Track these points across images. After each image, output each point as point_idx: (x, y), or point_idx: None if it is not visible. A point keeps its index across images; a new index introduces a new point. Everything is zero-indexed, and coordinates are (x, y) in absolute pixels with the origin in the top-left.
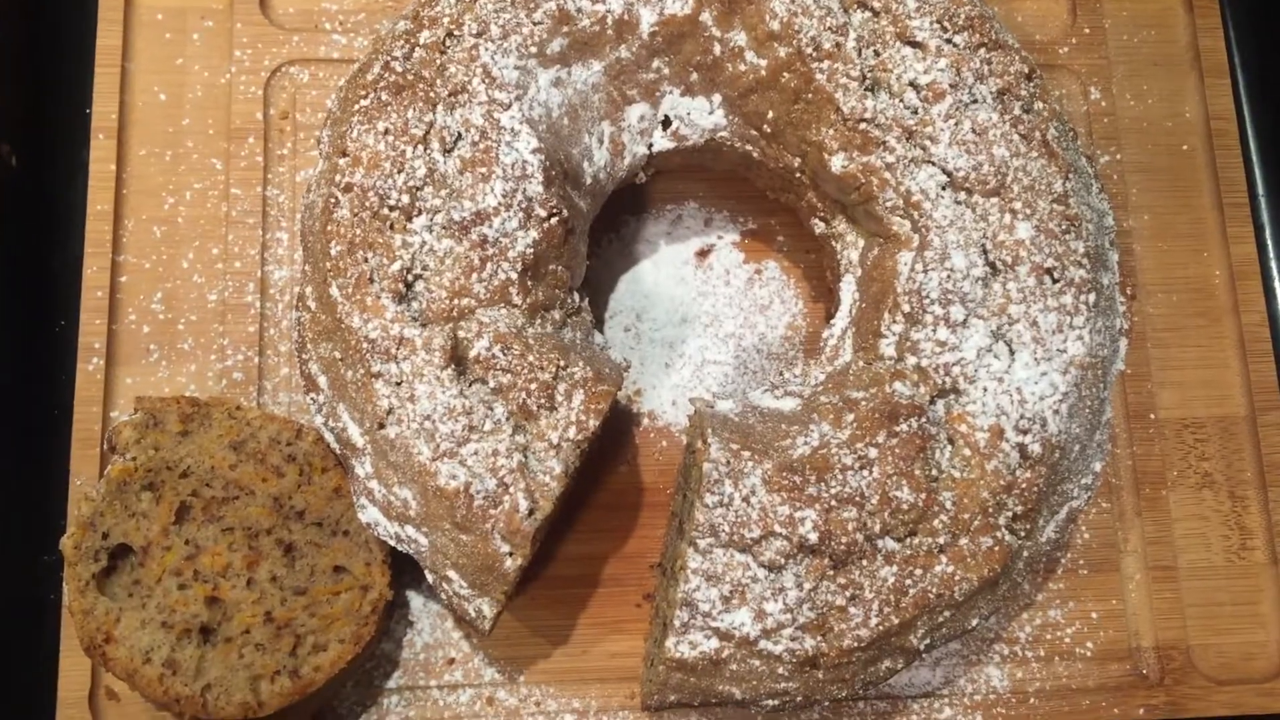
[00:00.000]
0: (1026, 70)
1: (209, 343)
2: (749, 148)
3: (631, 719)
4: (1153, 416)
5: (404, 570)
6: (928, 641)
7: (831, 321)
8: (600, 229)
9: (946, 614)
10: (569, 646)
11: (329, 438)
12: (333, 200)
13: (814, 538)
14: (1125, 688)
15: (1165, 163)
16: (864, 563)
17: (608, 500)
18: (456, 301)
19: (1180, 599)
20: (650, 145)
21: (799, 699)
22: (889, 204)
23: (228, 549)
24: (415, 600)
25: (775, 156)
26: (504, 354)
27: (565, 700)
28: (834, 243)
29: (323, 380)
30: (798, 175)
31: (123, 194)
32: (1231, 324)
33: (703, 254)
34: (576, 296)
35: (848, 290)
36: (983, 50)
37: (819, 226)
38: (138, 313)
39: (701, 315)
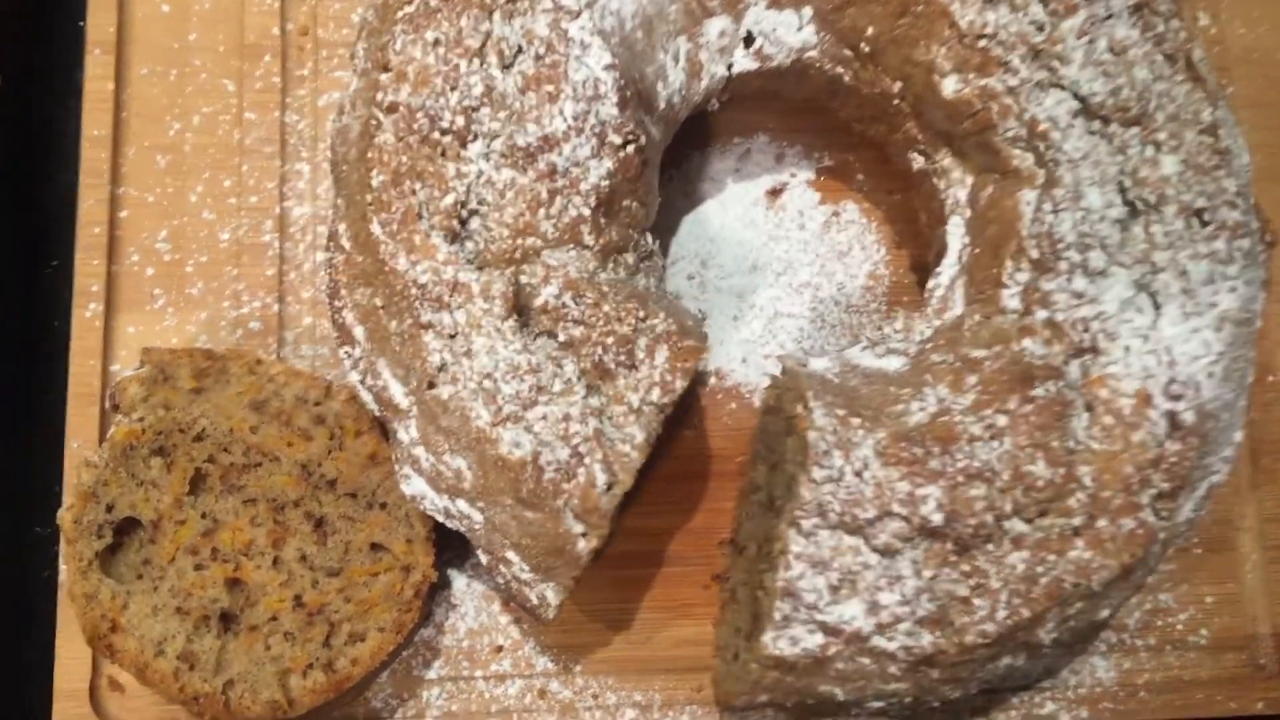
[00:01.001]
0: None
1: (221, 288)
2: (840, 70)
3: (700, 714)
4: (1270, 379)
5: (445, 545)
6: (1055, 636)
7: (937, 270)
8: (661, 165)
9: (1079, 605)
10: (630, 633)
11: (366, 398)
12: (374, 122)
13: (938, 519)
14: (1242, 679)
15: (1276, 97)
16: (990, 547)
17: (671, 469)
18: (520, 241)
19: None
20: (730, 66)
21: (907, 700)
22: (1010, 134)
23: (250, 524)
24: (458, 580)
25: (870, 80)
26: (575, 303)
27: (626, 693)
28: (936, 180)
29: (359, 331)
30: (896, 102)
31: (122, 118)
32: None
33: (774, 193)
34: (649, 238)
35: (956, 234)
36: None
37: (917, 161)
38: (140, 252)
39: (773, 262)
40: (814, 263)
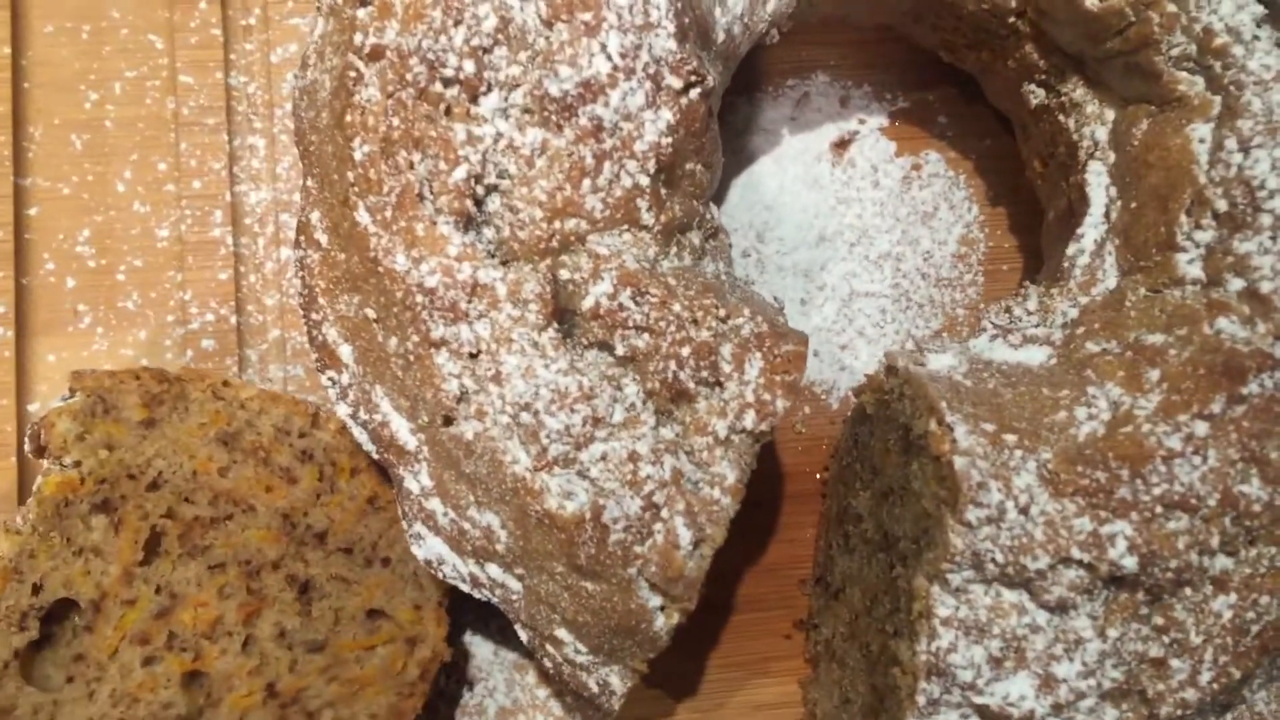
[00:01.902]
0: None
1: (163, 298)
2: None
3: None
4: None
5: (463, 606)
6: (1263, 695)
7: (1078, 231)
8: None
9: None
10: (697, 698)
11: (359, 436)
12: (352, 74)
13: (1131, 563)
14: None
15: None
16: (1188, 592)
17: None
18: (557, 224)
19: None
20: None
21: None
22: (1175, 51)
23: (217, 596)
24: (482, 649)
25: None
26: (636, 303)
27: None
28: (1064, 117)
29: (346, 351)
30: (1012, 20)
31: (24, 89)
32: None
33: (841, 145)
34: (714, 209)
35: (1097, 185)
36: None
37: (1036, 95)
38: (57, 259)
39: (844, 231)
40: (893, 229)
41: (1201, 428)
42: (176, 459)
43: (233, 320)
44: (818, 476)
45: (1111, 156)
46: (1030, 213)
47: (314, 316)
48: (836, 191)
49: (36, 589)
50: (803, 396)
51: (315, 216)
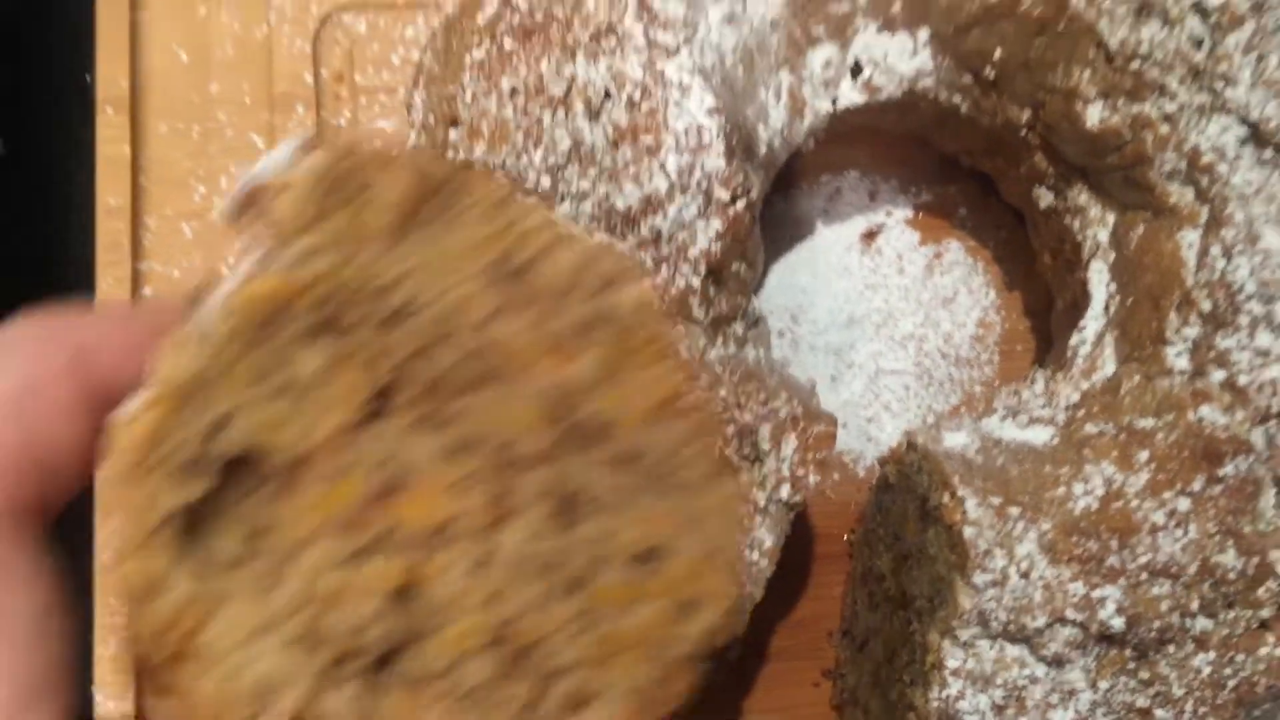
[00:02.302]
0: None
1: None
2: (957, 99)
3: None
4: None
5: None
6: None
7: (1080, 324)
8: None
9: (1266, 707)
10: None
11: None
12: None
13: (1119, 624)
14: None
15: None
16: (1171, 649)
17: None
18: None
19: None
20: (835, 100)
21: None
22: (1166, 168)
23: (454, 489)
24: None
25: (992, 110)
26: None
27: None
28: (1070, 219)
29: None
30: (1023, 133)
31: (140, 184)
32: None
33: (870, 236)
34: (756, 302)
35: (1099, 281)
36: None
37: (1045, 199)
38: None
39: (872, 313)
40: (917, 311)
41: (1184, 504)
42: (434, 286)
43: None
44: (845, 538)
45: (1112, 256)
46: (1042, 298)
47: None
48: (865, 278)
49: (216, 429)
50: (833, 465)
51: None
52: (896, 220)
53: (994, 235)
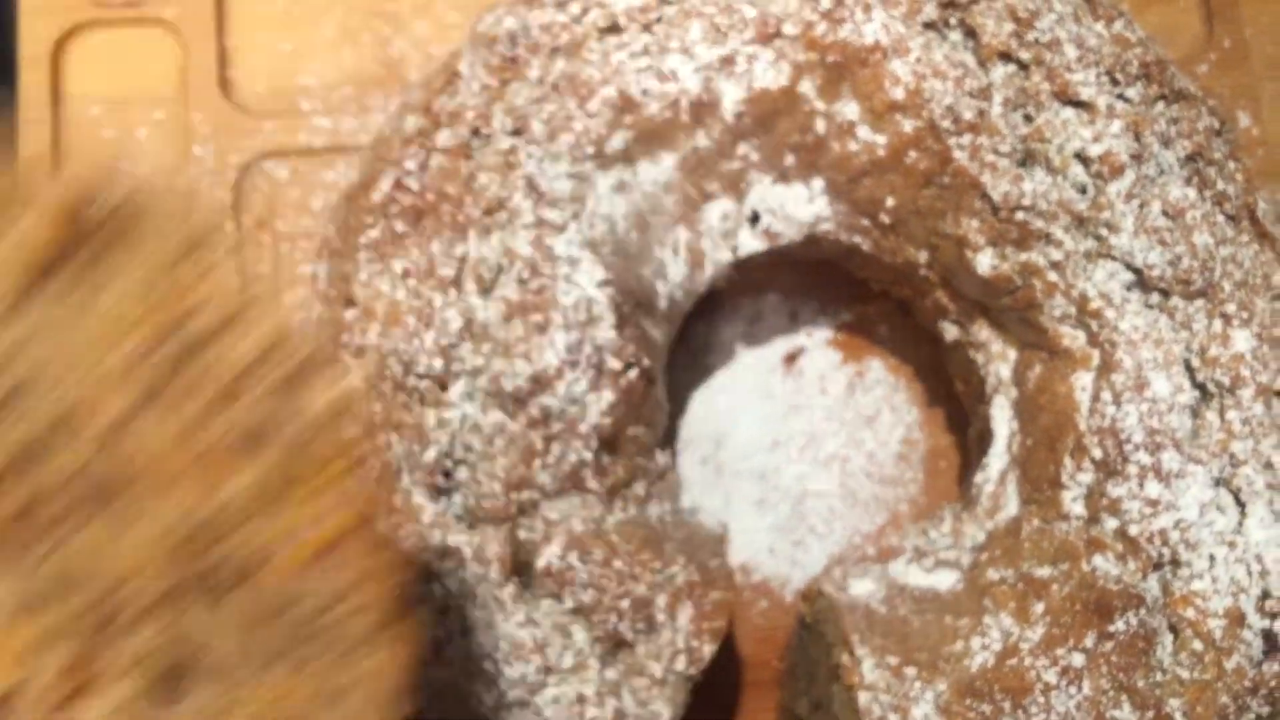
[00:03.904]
0: (1216, 125)
1: None
2: (858, 240)
3: None
4: None
5: None
6: None
7: (984, 460)
8: None
9: None
10: None
11: None
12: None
13: None
14: None
15: None
16: None
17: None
18: (514, 495)
19: None
20: (735, 249)
21: None
22: (1057, 312)
23: (27, 648)
24: None
25: (893, 250)
26: (583, 563)
27: None
28: (973, 353)
29: None
30: (923, 272)
31: None
32: None
33: (791, 358)
34: (659, 457)
35: (1002, 418)
36: (1162, 104)
37: (950, 332)
38: None
39: (796, 435)
40: (840, 432)
41: (1078, 659)
42: (61, 367)
43: None
44: (774, 664)
45: (1014, 392)
46: (964, 413)
47: None
48: (788, 400)
49: None
50: (759, 591)
51: None
52: (818, 341)
53: (915, 353)
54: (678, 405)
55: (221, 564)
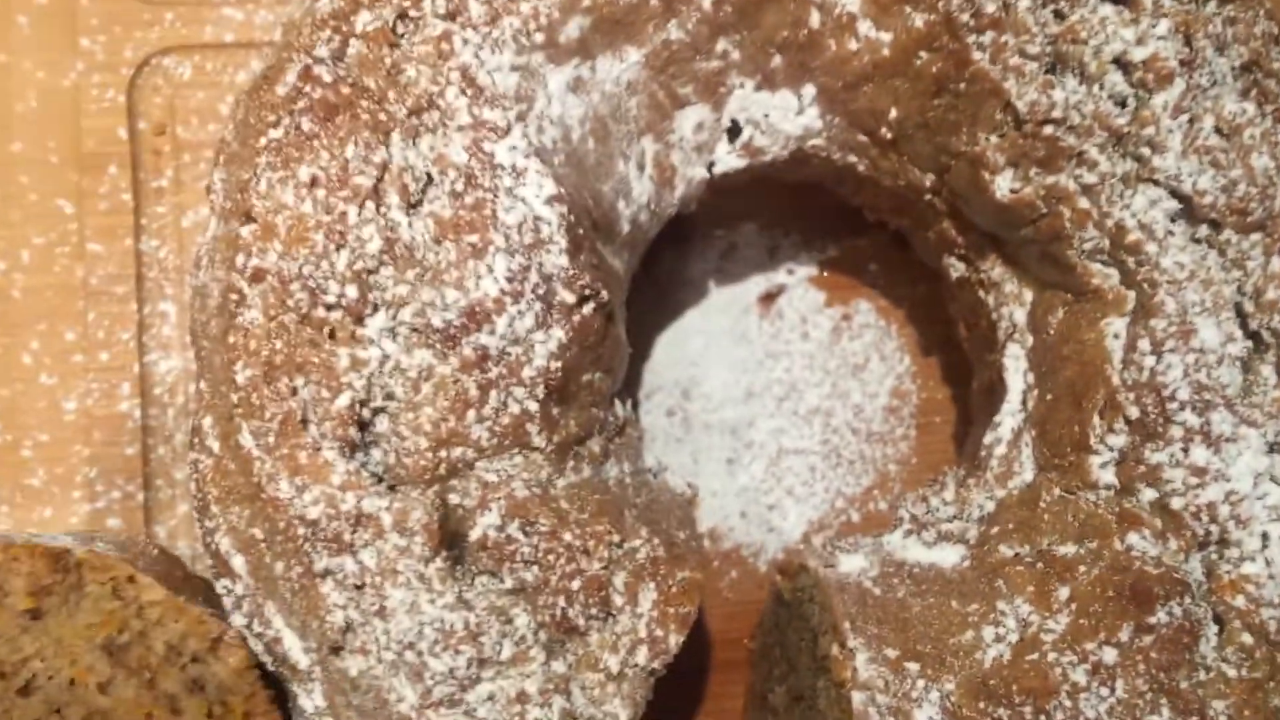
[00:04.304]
0: (1276, 30)
1: (69, 474)
2: (853, 159)
3: None
4: None
5: None
6: None
7: (995, 419)
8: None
9: None
10: None
11: (256, 646)
12: (235, 296)
13: None
14: None
15: None
16: None
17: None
18: (444, 453)
19: None
20: (711, 165)
21: None
22: (1088, 246)
23: None
24: None
25: (893, 171)
26: (526, 535)
27: None
28: (983, 294)
29: (239, 562)
30: (928, 198)
31: None
32: None
33: (769, 298)
34: (619, 407)
35: (1015, 370)
36: (1214, 3)
37: (957, 269)
38: None
39: (772, 386)
40: (823, 382)
41: (1110, 656)
42: (56, 663)
43: (140, 497)
44: (745, 643)
45: (1030, 340)
46: (964, 362)
47: (207, 524)
48: (764, 345)
49: None
50: (730, 560)
51: (208, 422)
52: (799, 279)
53: (910, 293)
54: (642, 349)
55: None
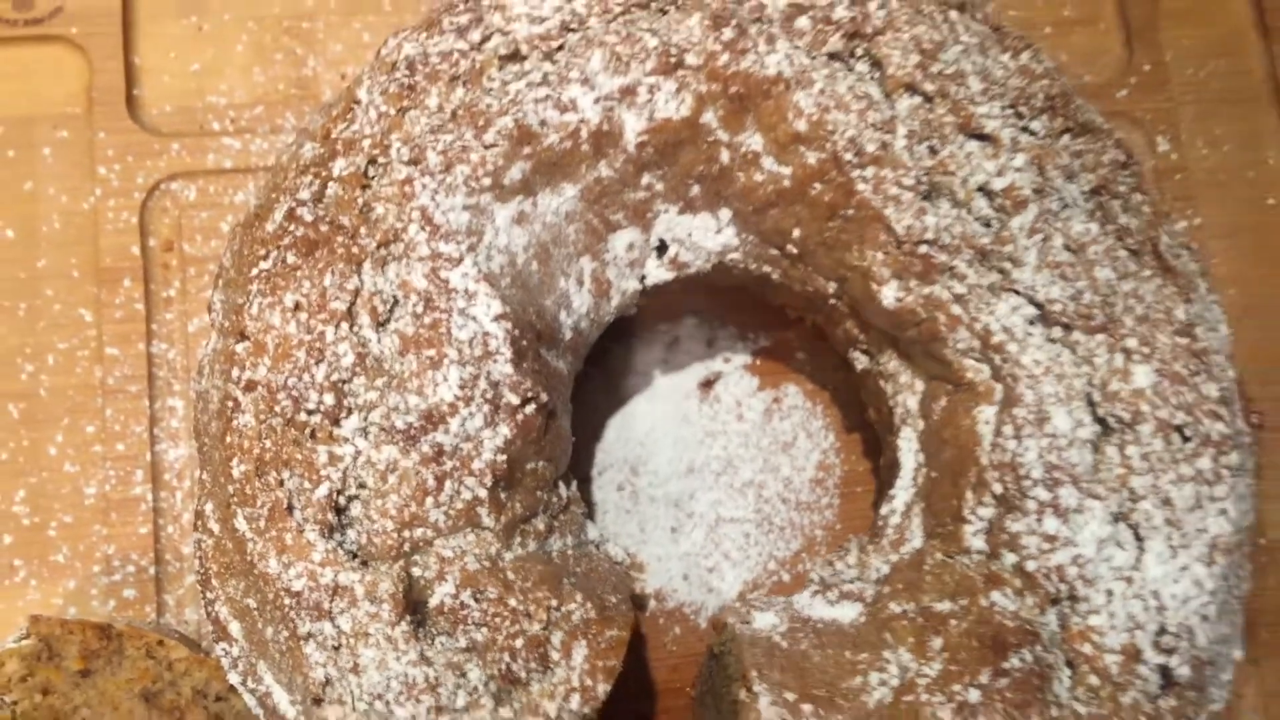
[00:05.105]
0: (1122, 158)
1: (90, 550)
2: (767, 269)
3: None
4: (1262, 541)
5: None
6: None
7: (890, 493)
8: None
9: None
10: None
11: (250, 702)
12: (231, 403)
13: None
14: None
15: (1250, 221)
16: None
17: (612, 710)
18: (407, 533)
19: None
20: (644, 278)
21: None
22: (961, 345)
23: None
24: None
25: (802, 279)
26: (476, 601)
27: None
28: (883, 383)
29: (235, 628)
30: (832, 302)
31: None
32: None
33: (708, 384)
34: (563, 489)
35: (908, 450)
36: (1067, 138)
37: (861, 361)
38: None
39: (711, 461)
40: (756, 458)
41: (974, 695)
42: (100, 709)
43: (152, 570)
44: (688, 691)
45: (920, 424)
46: (879, 439)
47: (209, 595)
48: (704, 425)
49: None
50: (673, 618)
51: (209, 507)
52: (735, 366)
53: (832, 378)
54: (594, 431)
55: None
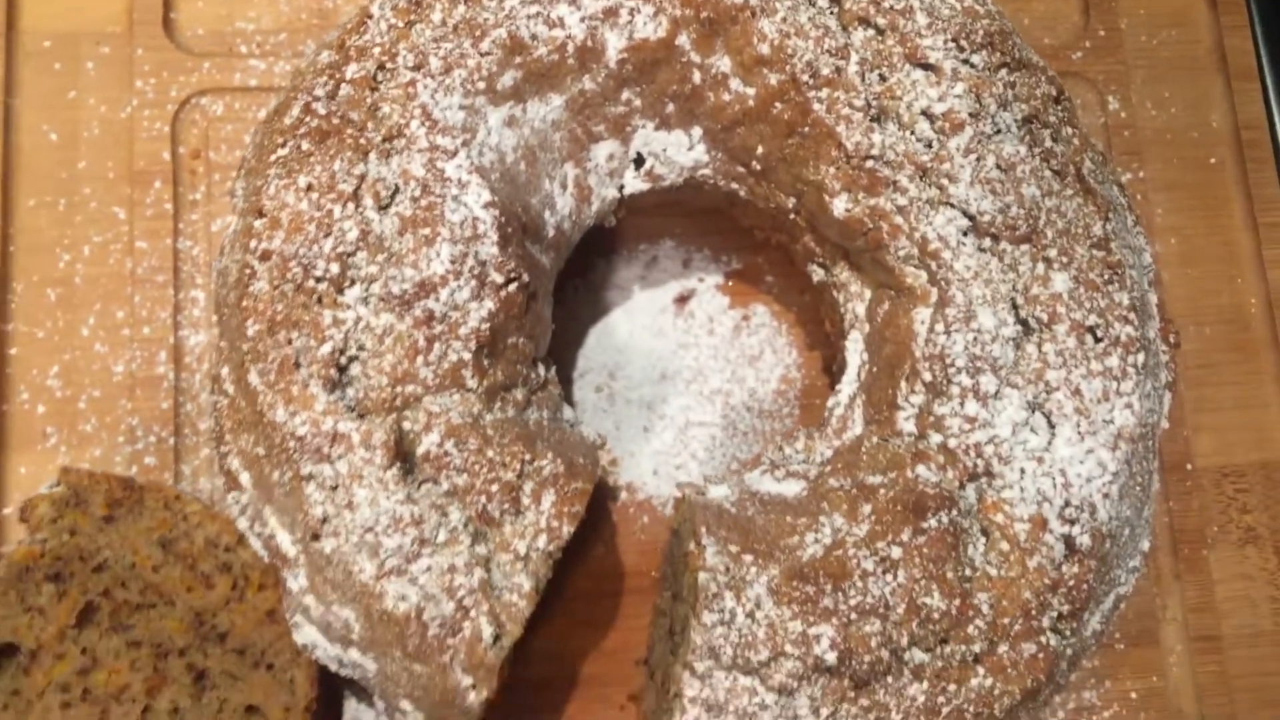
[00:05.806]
0: (1054, 92)
1: (115, 422)
2: (735, 186)
3: None
4: (1189, 467)
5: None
6: None
7: (837, 387)
8: (565, 275)
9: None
10: None
11: (255, 544)
12: (248, 270)
13: (831, 658)
14: None
15: (1192, 178)
16: (889, 679)
17: (584, 588)
18: (399, 389)
19: (1226, 671)
20: (621, 187)
21: None
22: (901, 253)
23: (129, 667)
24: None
25: (765, 195)
26: (458, 450)
27: None
28: (835, 293)
29: (245, 478)
30: (792, 216)
31: (9, 251)
32: (1271, 358)
33: (682, 300)
34: (541, 368)
35: (854, 350)
36: (1004, 71)
37: (817, 274)
38: (31, 390)
39: (683, 370)
40: (724, 369)
41: (895, 552)
42: (121, 551)
43: (171, 441)
44: (652, 574)
45: (866, 328)
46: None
47: (222, 449)
48: (678, 338)
49: None
50: (642, 508)
51: (225, 371)
52: (708, 286)
53: (797, 299)
54: (577, 338)
55: (214, 628)
